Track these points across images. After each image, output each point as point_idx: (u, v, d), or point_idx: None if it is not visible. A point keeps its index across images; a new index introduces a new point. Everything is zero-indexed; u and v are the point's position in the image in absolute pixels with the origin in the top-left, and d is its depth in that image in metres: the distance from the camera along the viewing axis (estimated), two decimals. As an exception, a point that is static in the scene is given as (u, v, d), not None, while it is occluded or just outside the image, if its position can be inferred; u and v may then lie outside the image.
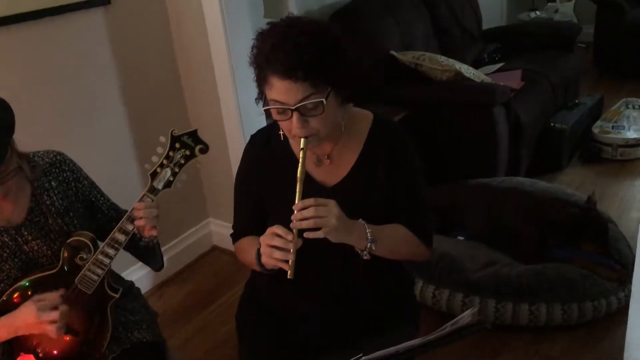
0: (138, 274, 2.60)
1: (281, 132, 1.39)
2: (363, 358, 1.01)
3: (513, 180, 2.96)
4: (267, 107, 1.29)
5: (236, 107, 2.61)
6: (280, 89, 1.24)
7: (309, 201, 1.25)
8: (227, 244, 2.98)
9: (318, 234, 1.24)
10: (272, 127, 1.51)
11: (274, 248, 1.26)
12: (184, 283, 2.84)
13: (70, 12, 2.25)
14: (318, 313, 1.47)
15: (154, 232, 1.42)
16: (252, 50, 1.31)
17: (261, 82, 1.29)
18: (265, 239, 1.29)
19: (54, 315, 1.31)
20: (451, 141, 3.18)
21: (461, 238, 2.66)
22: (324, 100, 1.25)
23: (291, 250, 1.24)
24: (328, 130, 1.33)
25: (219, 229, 3.05)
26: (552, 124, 3.47)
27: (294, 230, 1.25)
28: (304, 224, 1.23)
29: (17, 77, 2.14)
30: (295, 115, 1.25)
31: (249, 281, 1.66)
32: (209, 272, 2.91)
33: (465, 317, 1.00)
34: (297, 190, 1.27)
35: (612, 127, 3.70)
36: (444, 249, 2.46)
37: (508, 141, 3.15)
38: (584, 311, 2.26)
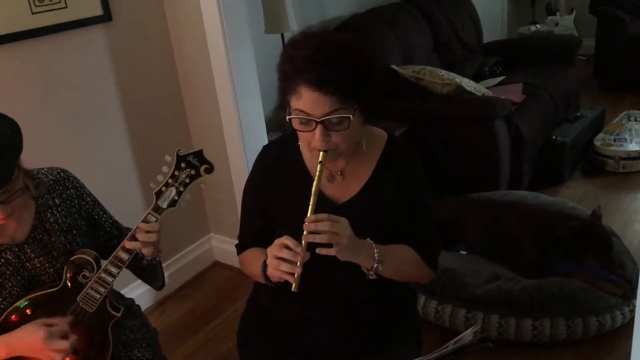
0: (139, 291, 2.59)
1: (300, 144, 1.40)
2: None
3: (515, 194, 2.95)
4: (291, 117, 1.29)
5: (237, 123, 2.62)
6: (308, 100, 1.23)
7: (323, 216, 1.24)
8: (229, 259, 3.00)
9: (330, 252, 1.23)
10: (285, 140, 1.52)
11: (281, 260, 1.25)
12: (185, 299, 2.83)
13: (72, 29, 2.27)
14: (321, 327, 1.46)
15: (147, 252, 1.42)
16: (281, 58, 1.30)
17: (288, 90, 1.28)
18: (273, 250, 1.27)
19: (64, 345, 1.30)
20: (452, 155, 3.18)
21: (463, 252, 2.64)
22: (350, 116, 1.25)
23: (298, 263, 1.23)
24: (347, 147, 1.33)
25: (221, 244, 3.04)
26: (553, 137, 3.47)
27: (302, 243, 1.24)
28: (317, 238, 1.22)
29: (20, 94, 2.15)
30: (319, 127, 1.25)
31: (251, 297, 1.64)
32: (210, 288, 2.90)
33: (467, 335, 0.98)
34: (311, 203, 1.26)
35: (614, 139, 3.70)
36: (446, 264, 2.44)
37: (509, 154, 3.15)
38: (589, 326, 2.24)
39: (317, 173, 1.28)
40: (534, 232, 2.48)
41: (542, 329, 2.23)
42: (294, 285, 1.23)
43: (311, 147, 1.30)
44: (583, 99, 4.39)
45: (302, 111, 1.26)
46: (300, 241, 1.25)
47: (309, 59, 1.22)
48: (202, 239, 3.04)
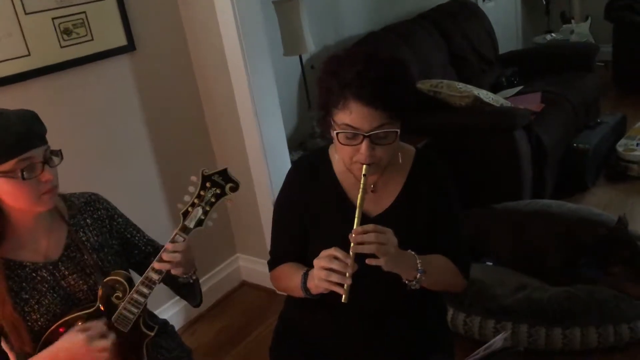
0: (171, 311, 2.64)
1: (334, 157, 1.45)
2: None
3: (539, 203, 2.94)
4: (339, 132, 1.31)
5: (260, 144, 2.67)
6: (359, 115, 1.26)
7: (370, 227, 1.26)
8: (256, 278, 3.03)
9: (379, 262, 1.25)
10: (315, 154, 1.56)
11: (330, 271, 1.26)
12: (215, 319, 2.87)
13: (98, 60, 2.36)
14: (355, 339, 1.48)
15: (178, 272, 1.45)
16: (323, 74, 1.33)
17: (334, 105, 1.30)
18: (322, 261, 1.28)
19: (105, 343, 1.34)
20: (474, 167, 3.18)
21: (490, 264, 2.64)
22: (398, 130, 1.30)
23: (347, 274, 1.24)
24: (389, 160, 1.36)
25: (248, 264, 3.08)
26: (574, 145, 3.47)
27: (351, 254, 1.25)
28: (366, 249, 1.24)
29: (51, 124, 2.20)
30: (365, 141, 1.28)
31: (282, 313, 1.67)
32: (239, 308, 2.94)
33: (498, 341, 1.00)
34: (357, 215, 1.28)
35: (637, 144, 3.67)
36: (473, 275, 2.40)
37: (531, 164, 3.14)
38: (620, 334, 2.22)
39: (362, 186, 1.31)
40: (558, 241, 2.47)
41: (573, 337, 2.21)
42: (344, 296, 1.24)
43: (353, 160, 1.33)
44: (603, 105, 4.37)
45: (349, 126, 1.28)
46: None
47: (359, 74, 1.25)
48: (230, 259, 3.08)
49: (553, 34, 5.66)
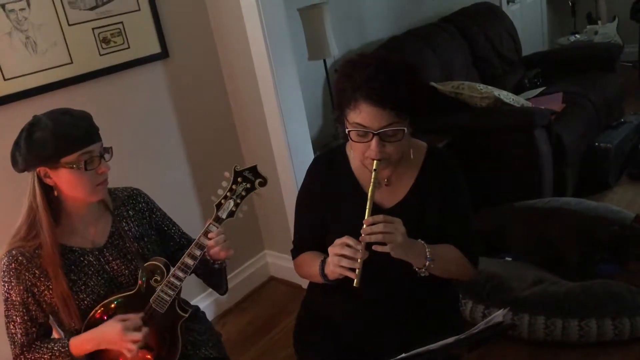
0: (203, 304, 2.77)
1: (350, 154, 1.56)
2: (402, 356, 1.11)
3: (559, 201, 2.99)
4: (350, 130, 1.43)
5: (286, 146, 2.79)
6: (368, 114, 1.38)
7: (379, 217, 1.37)
8: (284, 274, 3.15)
9: (385, 249, 1.36)
10: (333, 151, 1.67)
11: (342, 257, 1.37)
12: (244, 312, 3.00)
13: (134, 67, 2.52)
14: (370, 323, 1.58)
15: (226, 254, 1.59)
16: (339, 77, 1.46)
17: (346, 106, 1.42)
18: (335, 248, 1.39)
19: (137, 335, 1.48)
20: (495, 166, 3.25)
21: (508, 259, 2.71)
22: (405, 129, 1.40)
23: (358, 259, 1.35)
24: (398, 156, 1.47)
25: (275, 260, 3.20)
26: (596, 144, 3.50)
27: (362, 242, 1.37)
28: (373, 238, 1.35)
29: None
30: (375, 139, 1.39)
31: (305, 300, 1.79)
32: (267, 302, 3.06)
33: (498, 315, 1.09)
34: (368, 207, 1.39)
35: (661, 143, 3.68)
36: (492, 270, 2.52)
37: (551, 163, 3.19)
38: (636, 326, 2.26)
39: (372, 180, 1.42)
40: (575, 237, 2.53)
41: (589, 329, 2.27)
42: (355, 280, 1.35)
43: (365, 155, 1.44)
44: (629, 104, 4.37)
45: (360, 124, 1.40)
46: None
47: (369, 77, 1.36)
48: (258, 255, 3.22)
49: (577, 35, 5.66)
